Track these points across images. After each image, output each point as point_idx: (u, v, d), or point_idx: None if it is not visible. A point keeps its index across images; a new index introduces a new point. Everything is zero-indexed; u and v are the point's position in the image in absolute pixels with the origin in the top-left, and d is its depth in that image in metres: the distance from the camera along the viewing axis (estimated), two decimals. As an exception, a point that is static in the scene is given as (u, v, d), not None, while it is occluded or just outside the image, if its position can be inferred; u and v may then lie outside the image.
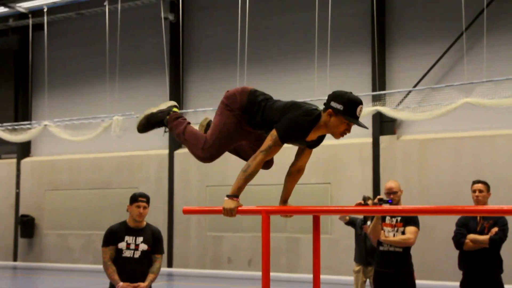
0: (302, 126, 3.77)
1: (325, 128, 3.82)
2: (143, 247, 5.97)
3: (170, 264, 14.12)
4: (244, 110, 4.04)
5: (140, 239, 6.00)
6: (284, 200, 4.08)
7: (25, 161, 16.40)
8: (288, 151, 4.46)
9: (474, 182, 6.34)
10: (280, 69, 13.50)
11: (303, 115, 3.78)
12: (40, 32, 15.28)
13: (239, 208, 3.81)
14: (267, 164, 4.08)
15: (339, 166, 12.53)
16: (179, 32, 14.31)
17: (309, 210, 3.99)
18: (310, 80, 12.39)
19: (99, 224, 14.45)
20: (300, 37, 13.27)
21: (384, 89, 12.12)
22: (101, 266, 6.15)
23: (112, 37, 13.89)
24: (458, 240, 6.26)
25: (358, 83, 12.46)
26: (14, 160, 16.45)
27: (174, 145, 14.38)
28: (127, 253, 5.95)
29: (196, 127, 4.38)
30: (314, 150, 4.04)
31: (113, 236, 5.97)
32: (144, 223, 6.09)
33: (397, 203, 6.40)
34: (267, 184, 10.58)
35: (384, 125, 12.33)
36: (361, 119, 3.81)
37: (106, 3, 13.86)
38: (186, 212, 4.16)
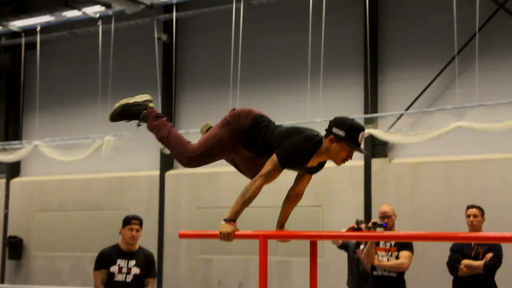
0: (303, 152, 3.74)
1: (327, 154, 3.79)
2: (136, 270, 5.92)
3: (160, 287, 13.99)
4: (244, 134, 4.00)
5: (133, 262, 5.95)
6: (281, 224, 4.04)
7: (14, 181, 16.26)
8: (285, 174, 4.43)
9: (469, 207, 6.35)
10: (273, 90, 13.51)
11: (305, 140, 3.75)
12: (32, 51, 15.22)
13: (236, 232, 3.77)
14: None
15: (331, 188, 12.50)
16: (172, 52, 14.32)
17: (307, 235, 3.97)
18: (302, 101, 12.39)
19: (88, 246, 14.30)
20: (293, 58, 13.29)
21: (376, 111, 12.14)
22: (90, 289, 6.09)
23: (104, 56, 13.86)
24: (453, 265, 6.25)
25: (350, 106, 12.47)
26: (4, 180, 16.29)
27: (165, 166, 14.31)
28: (119, 277, 5.89)
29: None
30: None
31: (105, 259, 5.92)
32: (137, 246, 6.05)
33: (391, 227, 6.40)
34: (260, 207, 10.51)
35: (376, 148, 12.33)
36: None
37: (99, 23, 13.88)
38: (182, 236, 4.12)
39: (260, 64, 13.74)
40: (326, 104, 11.98)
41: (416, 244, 6.72)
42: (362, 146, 3.86)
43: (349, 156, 3.79)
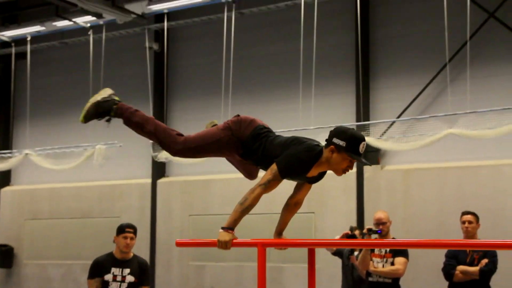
0: (303, 162, 3.71)
1: (327, 164, 3.77)
2: (130, 279, 5.89)
3: (152, 295, 13.95)
4: (242, 143, 3.97)
5: (127, 270, 5.92)
6: (279, 232, 4.04)
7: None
8: (283, 183, 4.43)
9: (463, 213, 6.36)
10: (265, 99, 13.51)
11: (305, 150, 3.72)
12: (23, 60, 15.18)
13: (234, 240, 3.76)
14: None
15: (323, 195, 12.50)
16: (164, 61, 14.30)
17: (305, 243, 3.97)
18: (294, 109, 12.40)
19: (79, 254, 14.27)
20: (284, 67, 13.32)
21: (368, 119, 12.17)
22: (81, 297, 6.06)
23: (95, 66, 13.83)
24: (448, 271, 6.26)
25: (342, 113, 12.51)
26: (-6, 189, 16.24)
27: (157, 174, 14.27)
28: (114, 285, 5.86)
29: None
30: None
31: (99, 268, 5.89)
32: (131, 254, 6.02)
33: (386, 233, 6.41)
34: (254, 214, 10.51)
35: (368, 155, 12.34)
36: None
37: (90, 32, 13.85)
38: (179, 245, 4.11)
39: (252, 72, 13.75)
40: (318, 112, 12.00)
41: (411, 250, 6.74)
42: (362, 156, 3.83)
43: (350, 167, 3.77)
